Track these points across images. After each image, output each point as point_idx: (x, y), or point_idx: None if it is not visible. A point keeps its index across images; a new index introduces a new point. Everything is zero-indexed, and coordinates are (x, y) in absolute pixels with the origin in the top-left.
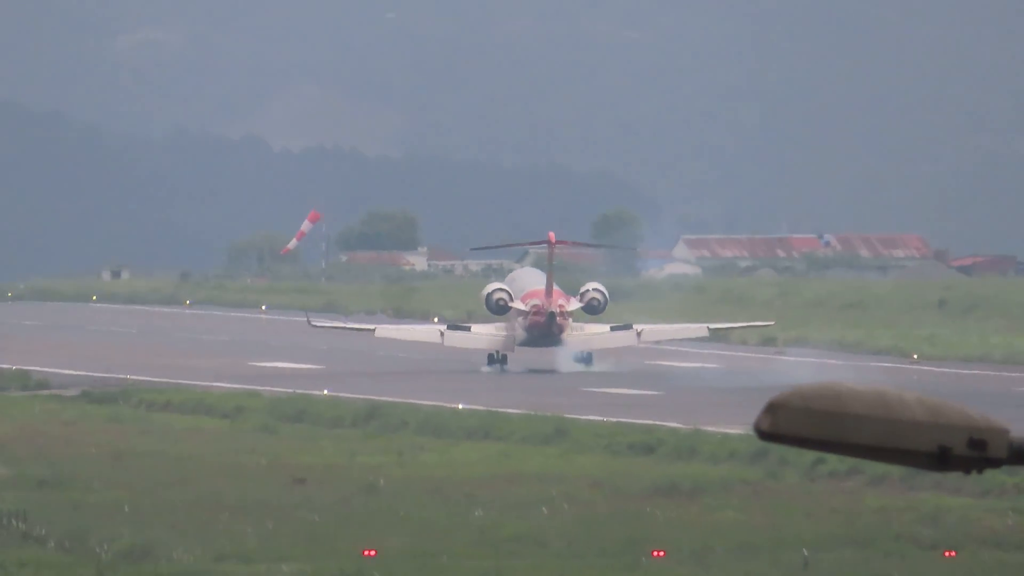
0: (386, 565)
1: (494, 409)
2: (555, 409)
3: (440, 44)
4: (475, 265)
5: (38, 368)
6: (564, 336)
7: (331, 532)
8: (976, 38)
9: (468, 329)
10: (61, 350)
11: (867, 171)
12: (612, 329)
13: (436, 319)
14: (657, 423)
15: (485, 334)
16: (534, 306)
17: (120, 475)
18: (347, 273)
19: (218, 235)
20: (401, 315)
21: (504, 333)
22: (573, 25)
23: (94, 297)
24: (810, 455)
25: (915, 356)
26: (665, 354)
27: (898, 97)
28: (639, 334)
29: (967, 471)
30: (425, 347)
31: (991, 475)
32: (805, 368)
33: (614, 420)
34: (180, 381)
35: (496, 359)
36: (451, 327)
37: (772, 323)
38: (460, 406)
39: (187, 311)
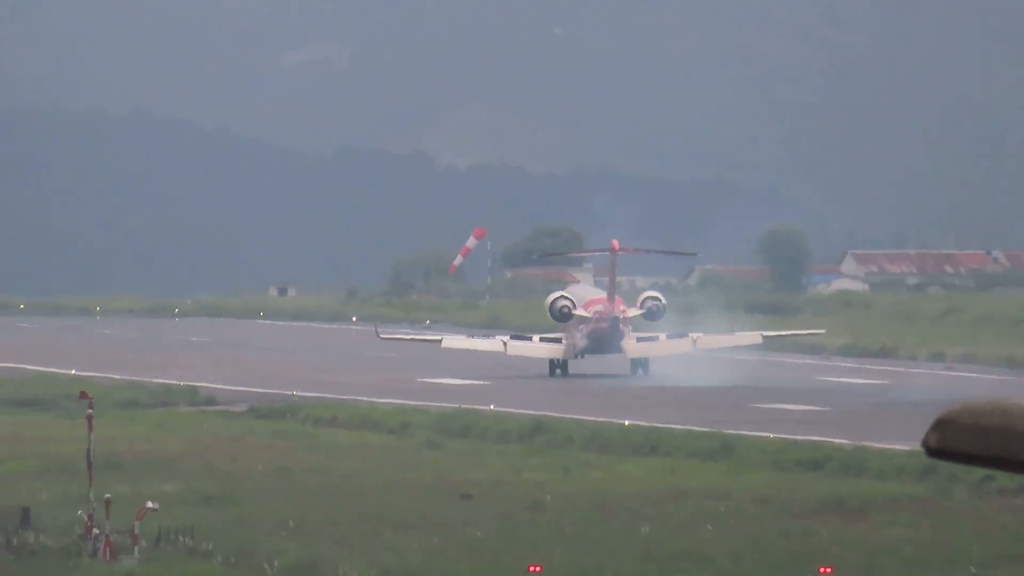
0: None
1: (659, 425)
2: (720, 425)
3: (607, 59)
4: (642, 281)
5: (206, 384)
6: (624, 343)
7: (496, 548)
8: None
9: (530, 339)
10: (229, 366)
11: None
12: (668, 337)
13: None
14: (824, 439)
15: (546, 343)
16: (597, 312)
17: (286, 490)
18: (512, 290)
19: (384, 252)
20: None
21: (564, 342)
22: (738, 40)
23: (261, 314)
24: (979, 472)
25: None
26: (833, 370)
27: None
28: (695, 342)
29: None
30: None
31: None
32: (973, 385)
33: (781, 436)
34: (346, 397)
35: (557, 366)
36: (514, 337)
37: (823, 331)
38: (626, 422)
39: (354, 328)
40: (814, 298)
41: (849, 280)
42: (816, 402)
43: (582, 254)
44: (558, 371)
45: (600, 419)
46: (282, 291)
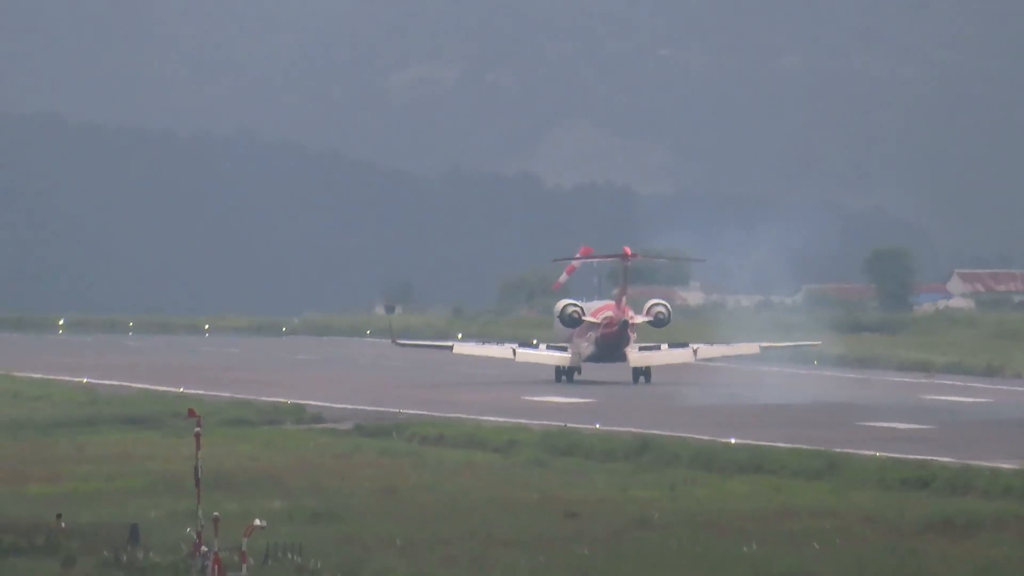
0: None
1: (764, 443)
2: (825, 443)
3: (712, 80)
4: (747, 300)
5: (313, 402)
6: (627, 351)
7: (603, 566)
8: None
9: (536, 347)
10: (335, 384)
11: None
12: (670, 347)
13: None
14: (930, 458)
15: (553, 351)
16: (606, 318)
17: (393, 508)
18: None
19: (490, 270)
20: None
21: (569, 351)
22: (843, 60)
23: (368, 332)
24: None
25: None
26: (940, 389)
27: None
28: (695, 352)
29: None
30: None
31: None
32: None
33: (887, 455)
34: (452, 415)
35: (563, 372)
36: (522, 345)
37: (818, 343)
38: (732, 440)
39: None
40: (920, 316)
41: (957, 299)
42: (922, 420)
43: (596, 259)
44: (564, 378)
45: (705, 437)
46: (389, 309)
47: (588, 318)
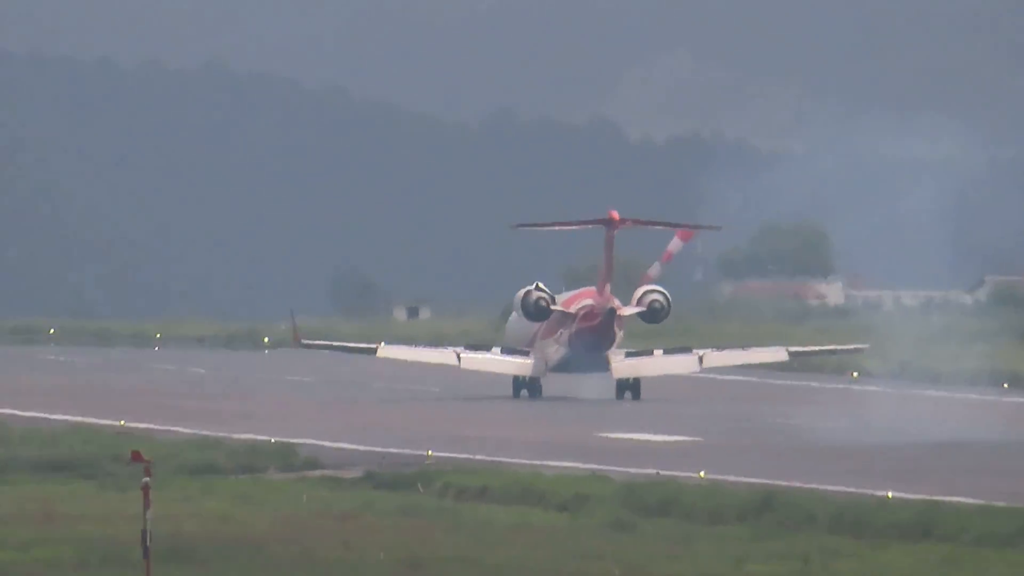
0: None
1: (935, 497)
2: (1021, 498)
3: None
4: (910, 298)
5: (306, 440)
6: (610, 355)
7: None
8: None
9: (488, 350)
10: (338, 415)
11: None
12: (666, 352)
13: (855, 373)
14: None
15: (510, 357)
16: (584, 307)
17: None
18: (732, 308)
19: (550, 254)
20: (809, 367)
21: (532, 357)
22: None
23: (382, 343)
24: None
25: None
26: None
27: None
28: (700, 359)
29: None
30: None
31: None
32: None
33: None
34: (500, 458)
35: (523, 385)
36: (469, 347)
37: (866, 346)
38: (889, 494)
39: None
40: None
41: None
42: None
43: (570, 227)
44: (524, 391)
45: (849, 489)
46: (412, 312)
47: (560, 308)
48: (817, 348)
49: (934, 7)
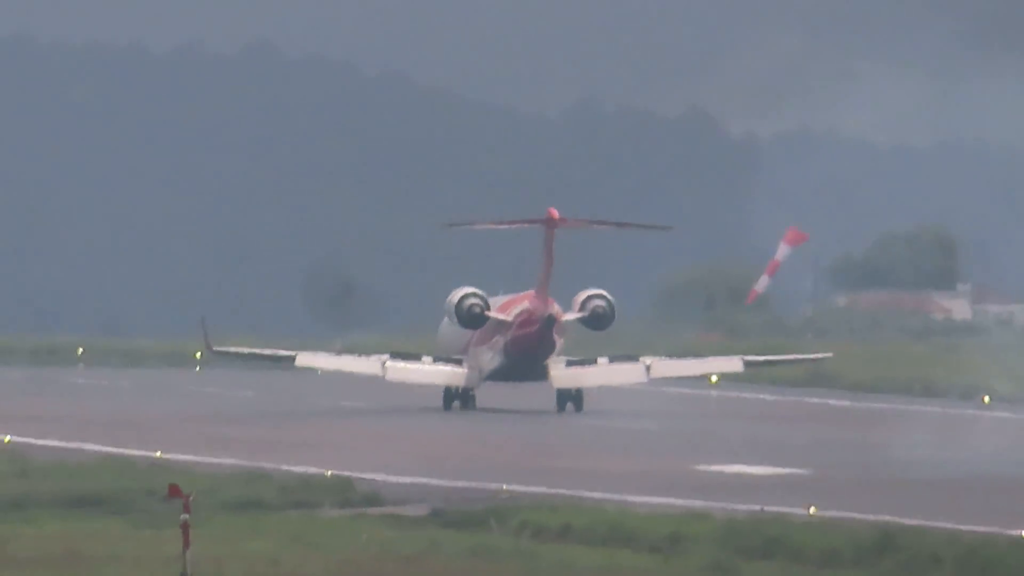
0: None
1: None
2: None
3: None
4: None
5: (364, 474)
6: (550, 364)
7: None
8: None
9: (418, 359)
10: (400, 445)
11: None
12: (611, 360)
13: (986, 397)
14: None
15: (441, 366)
16: (522, 313)
17: None
18: (845, 323)
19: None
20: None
21: (465, 365)
22: None
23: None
24: None
25: None
26: None
27: None
28: (648, 368)
29: None
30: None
31: None
32: None
33: None
34: (583, 493)
35: (456, 396)
36: (395, 355)
37: (829, 355)
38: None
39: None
40: None
41: None
42: None
43: (507, 226)
44: (456, 403)
45: (980, 528)
46: None
47: (495, 314)
48: (776, 357)
49: None
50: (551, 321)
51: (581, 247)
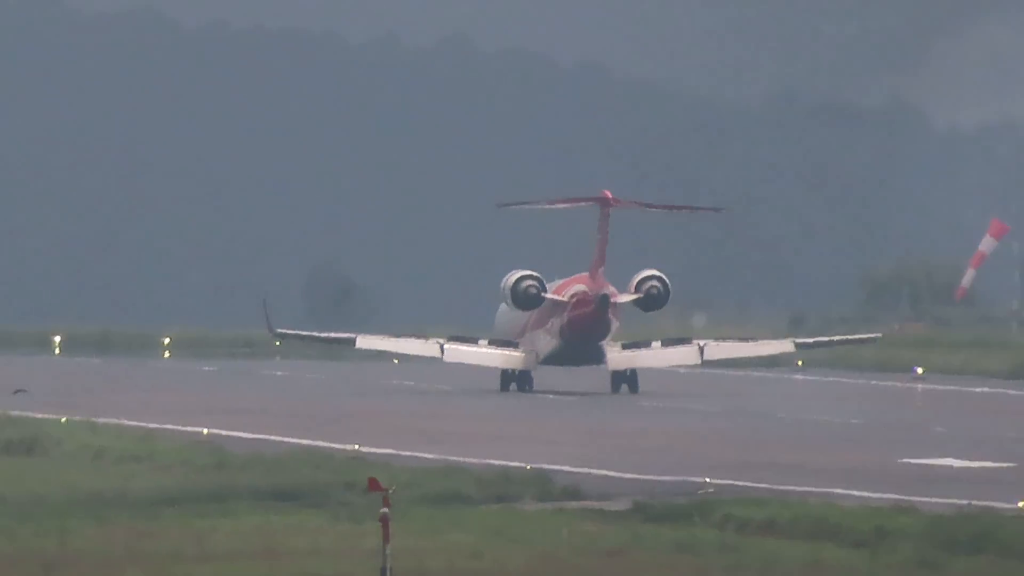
0: None
1: None
2: None
3: None
4: None
5: (564, 467)
6: (606, 346)
7: None
8: None
9: (474, 342)
10: (603, 437)
11: None
12: (664, 344)
13: None
14: None
15: (498, 349)
16: (577, 295)
17: None
18: None
19: (850, 257)
20: None
21: (521, 348)
22: None
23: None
24: None
25: None
26: None
27: None
28: (701, 350)
29: None
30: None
31: None
32: None
33: None
34: (788, 487)
35: (512, 378)
36: (453, 338)
37: (878, 336)
38: None
39: (797, 376)
40: None
41: None
42: None
43: (555, 206)
44: (513, 385)
45: None
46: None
47: (551, 295)
48: (826, 339)
49: None
50: (604, 302)
51: (773, 238)
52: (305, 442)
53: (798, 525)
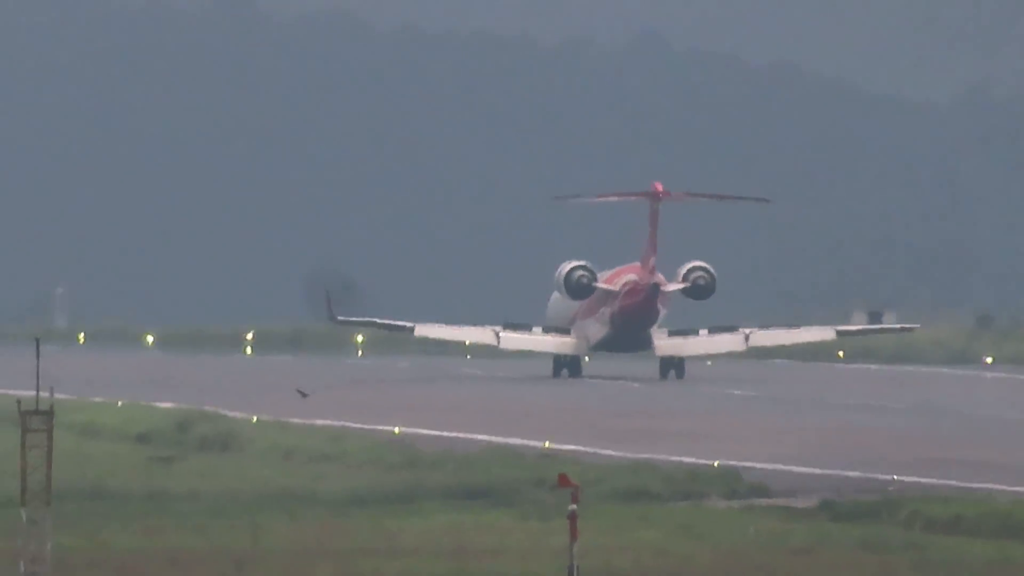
0: None
1: None
2: None
3: None
4: None
5: (752, 463)
6: (654, 334)
7: None
8: None
9: (528, 329)
10: (790, 435)
11: None
12: (711, 332)
13: None
14: None
15: (551, 336)
16: (628, 283)
17: None
18: None
19: None
20: None
21: (573, 335)
22: None
23: (840, 353)
24: None
25: None
26: None
27: None
28: (747, 337)
29: None
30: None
31: None
32: None
33: None
34: (976, 484)
35: (564, 364)
36: (507, 326)
37: (917, 326)
38: None
39: (987, 374)
40: None
41: None
42: None
43: (607, 199)
44: (565, 371)
45: None
46: (875, 316)
47: (602, 285)
48: (866, 327)
49: None
50: (655, 290)
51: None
52: (495, 439)
53: (984, 523)
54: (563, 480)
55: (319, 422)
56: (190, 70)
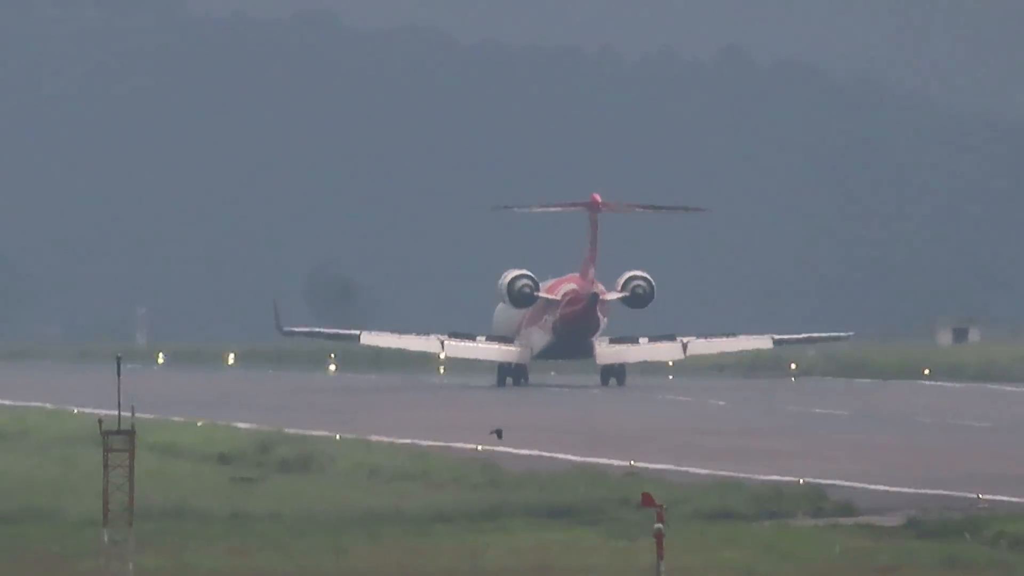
0: None
1: None
2: None
3: None
4: None
5: (839, 481)
6: (595, 342)
7: None
8: None
9: (472, 338)
10: (877, 452)
11: None
12: (651, 340)
13: None
14: None
15: (495, 344)
16: (569, 293)
17: None
18: None
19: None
20: None
21: (517, 344)
22: None
23: (926, 371)
24: None
25: None
26: None
27: None
28: (684, 346)
29: None
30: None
31: None
32: None
33: None
34: None
35: (509, 372)
36: (453, 335)
37: (850, 334)
38: None
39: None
40: None
41: None
42: None
43: (545, 209)
44: (509, 379)
45: None
46: (960, 334)
47: (544, 294)
48: (802, 336)
49: None
50: (595, 299)
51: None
52: (581, 458)
53: None
54: (646, 500)
55: (397, 440)
56: (272, 85)
